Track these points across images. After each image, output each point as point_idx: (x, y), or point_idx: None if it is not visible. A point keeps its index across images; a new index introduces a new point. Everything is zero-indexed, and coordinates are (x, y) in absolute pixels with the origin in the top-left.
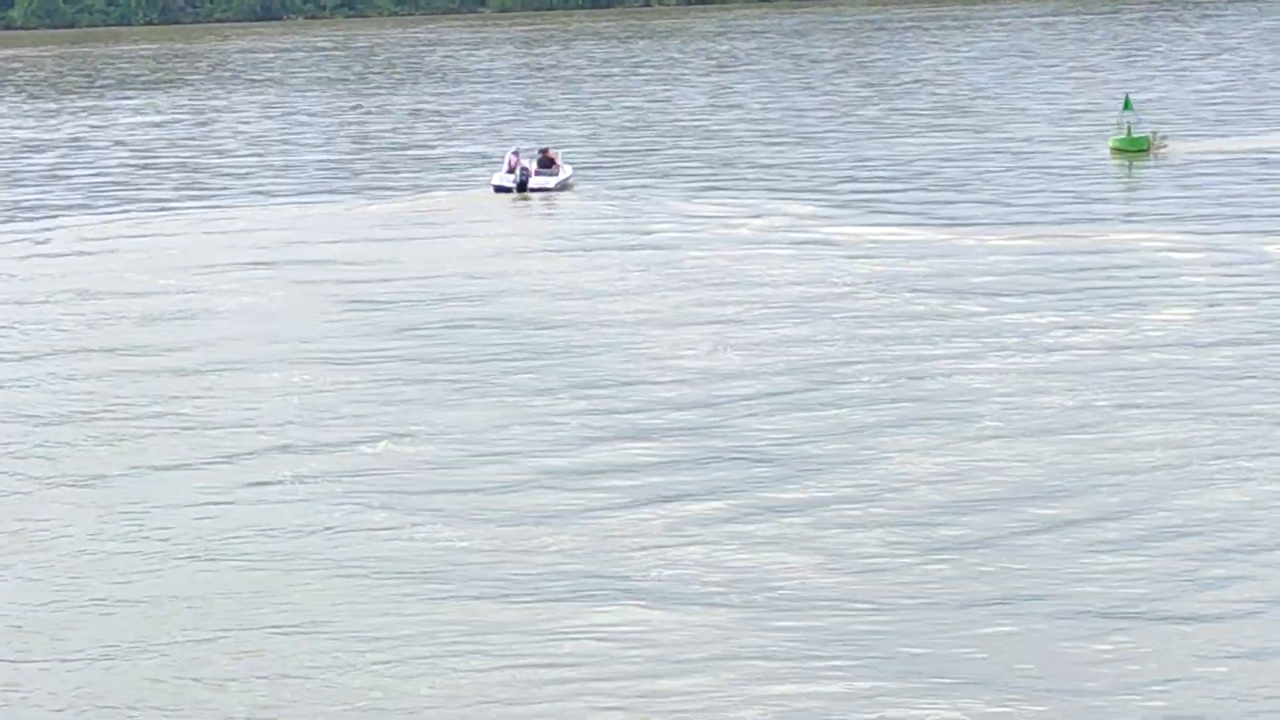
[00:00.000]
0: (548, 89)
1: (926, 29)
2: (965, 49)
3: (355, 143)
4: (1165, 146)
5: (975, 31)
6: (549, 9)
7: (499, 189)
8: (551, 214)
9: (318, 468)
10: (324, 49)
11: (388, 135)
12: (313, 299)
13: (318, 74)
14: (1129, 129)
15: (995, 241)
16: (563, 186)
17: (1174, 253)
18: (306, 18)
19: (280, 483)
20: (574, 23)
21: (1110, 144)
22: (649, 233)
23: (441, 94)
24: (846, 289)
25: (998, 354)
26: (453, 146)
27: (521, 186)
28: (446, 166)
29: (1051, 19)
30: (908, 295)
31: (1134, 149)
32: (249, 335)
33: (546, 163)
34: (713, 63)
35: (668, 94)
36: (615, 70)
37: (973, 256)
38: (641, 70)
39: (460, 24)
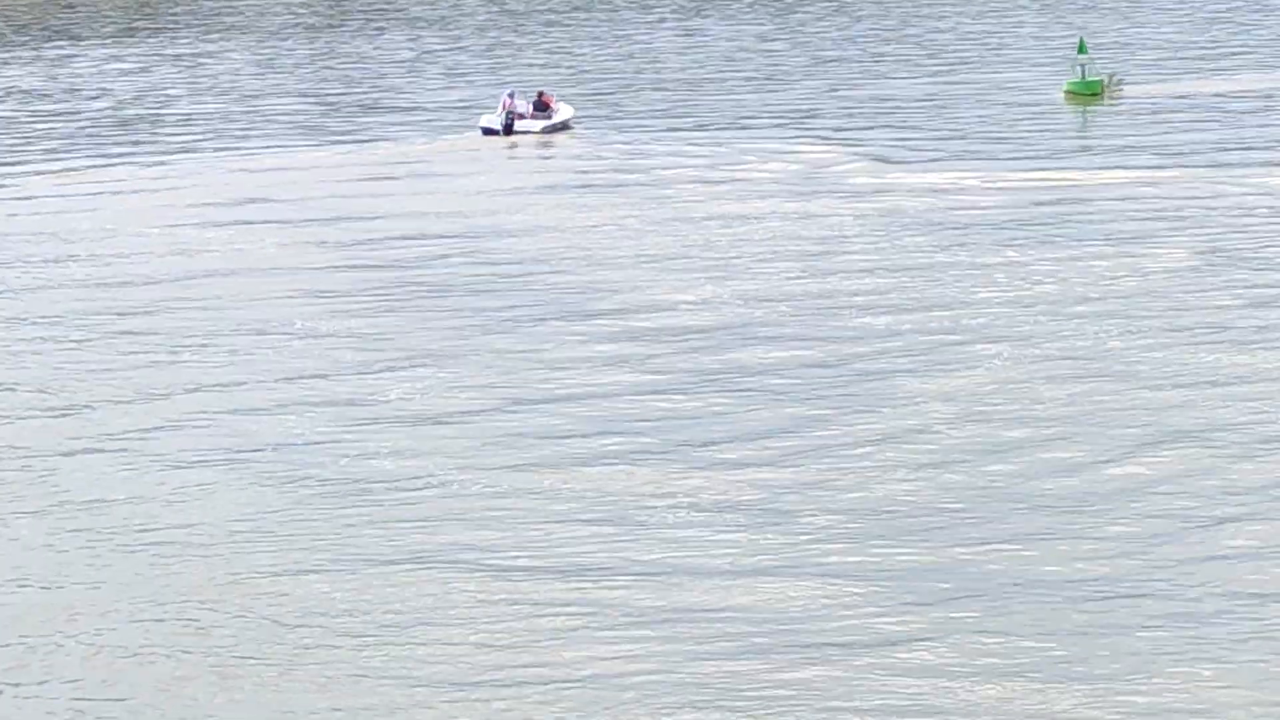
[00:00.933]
0: (525, 33)
1: None
2: None
3: (336, 89)
4: (1120, 89)
5: None
6: None
7: (486, 131)
8: (538, 156)
9: (322, 416)
10: None
11: (368, 80)
12: (308, 246)
13: (292, 20)
14: (1083, 72)
15: (943, 183)
16: (555, 129)
17: (1128, 193)
18: None
19: (281, 432)
20: None
21: (1064, 87)
22: (638, 174)
23: (419, 38)
24: (838, 228)
25: (991, 291)
26: (435, 91)
27: (508, 129)
28: (431, 111)
29: None
30: (895, 234)
31: (1088, 92)
32: (244, 283)
33: (542, 105)
34: (686, 4)
35: (644, 36)
36: (589, 14)
37: (934, 197)
38: (617, 13)
39: None
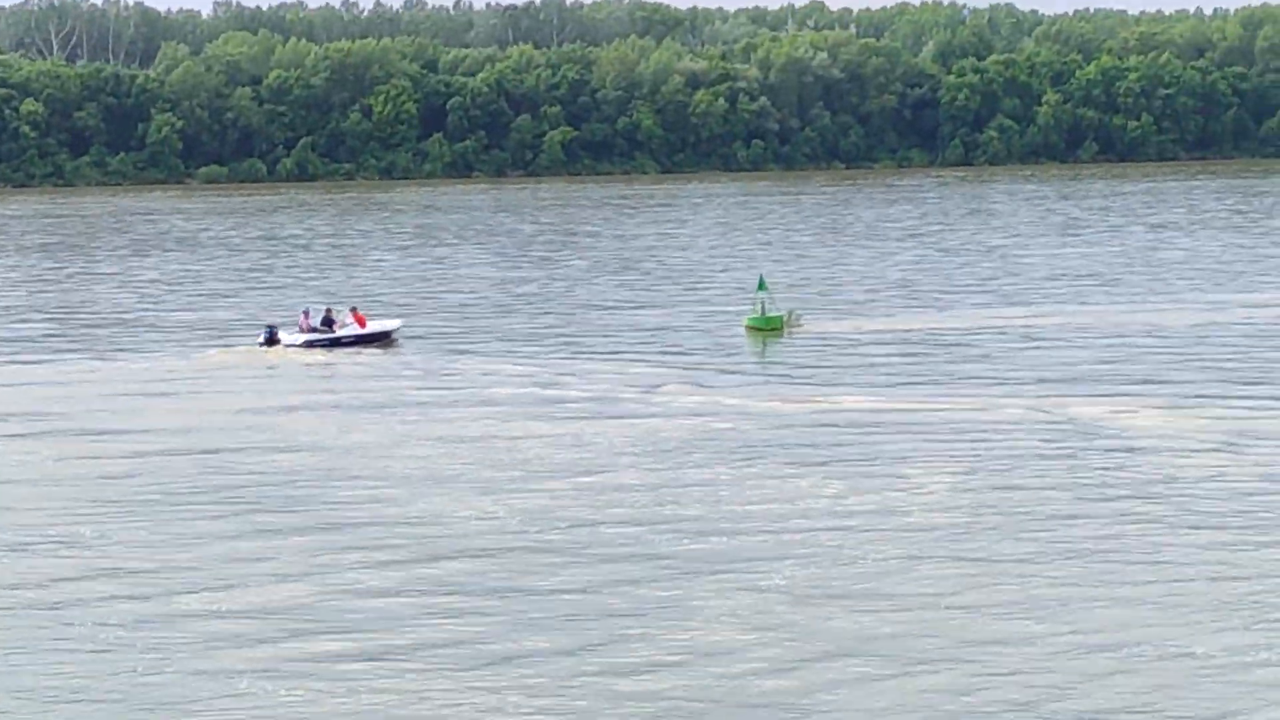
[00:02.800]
0: (278, 256)
1: (628, 207)
2: (667, 225)
3: (93, 306)
4: (800, 325)
5: (675, 209)
6: (255, 180)
7: (261, 344)
8: (297, 370)
9: (96, 623)
10: (55, 214)
11: (120, 300)
12: (79, 459)
13: (45, 240)
14: (763, 307)
15: (652, 406)
16: (327, 343)
17: (815, 418)
18: (15, 187)
19: (54, 639)
20: (281, 193)
21: (745, 322)
22: (394, 389)
23: (172, 261)
24: (586, 449)
25: (755, 508)
26: (198, 310)
27: (271, 341)
28: (194, 328)
29: (747, 197)
30: (652, 453)
31: (768, 327)
32: (20, 495)
33: (327, 321)
34: (426, 234)
35: (389, 262)
36: (339, 240)
37: (660, 417)
38: (362, 239)
39: (174, 194)
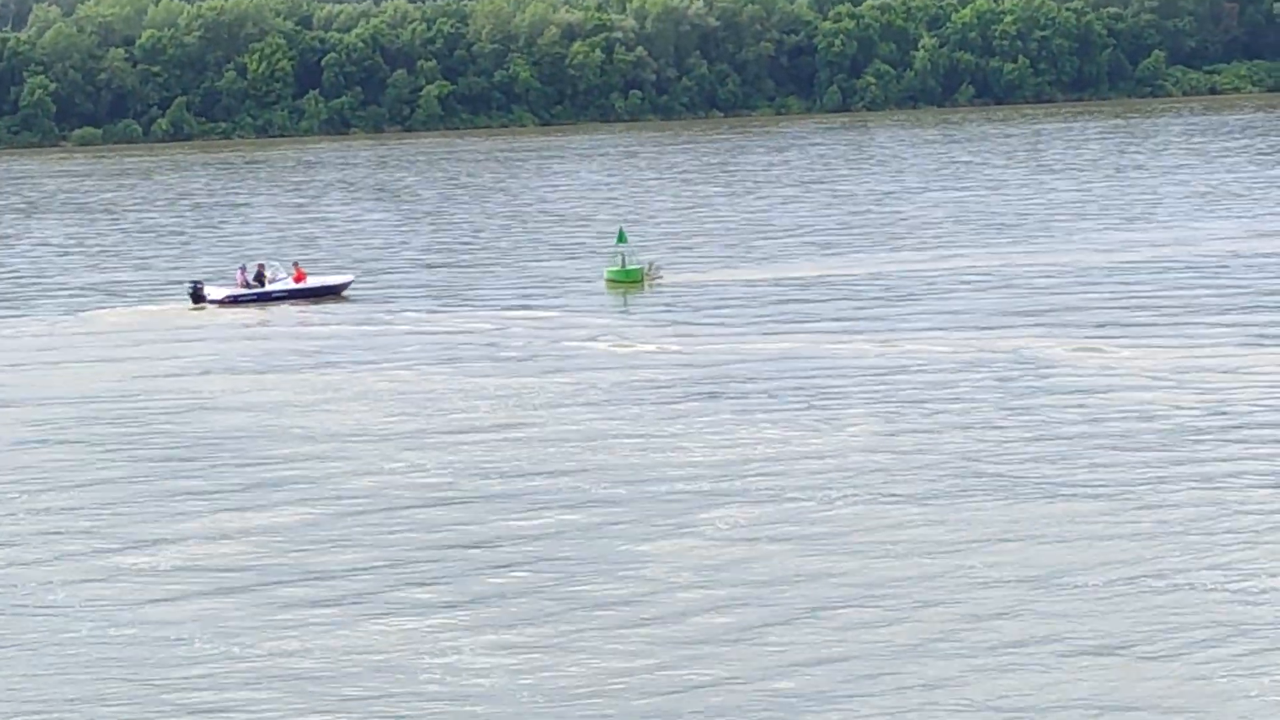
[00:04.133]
0: (174, 217)
1: (510, 160)
2: (549, 177)
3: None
4: (660, 277)
5: (556, 161)
6: (130, 141)
7: (190, 300)
8: (202, 328)
9: (38, 586)
10: None
11: (17, 265)
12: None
13: None
14: (623, 260)
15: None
16: (254, 298)
17: (650, 365)
18: None
19: None
20: (159, 154)
21: (606, 275)
22: (296, 347)
23: (69, 224)
24: (502, 400)
25: (682, 454)
26: (102, 271)
27: (196, 298)
28: (102, 290)
29: (627, 148)
30: (568, 403)
31: (628, 280)
32: None
33: (259, 277)
34: (312, 192)
35: (281, 220)
36: (234, 197)
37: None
38: (251, 197)
39: (51, 157)
